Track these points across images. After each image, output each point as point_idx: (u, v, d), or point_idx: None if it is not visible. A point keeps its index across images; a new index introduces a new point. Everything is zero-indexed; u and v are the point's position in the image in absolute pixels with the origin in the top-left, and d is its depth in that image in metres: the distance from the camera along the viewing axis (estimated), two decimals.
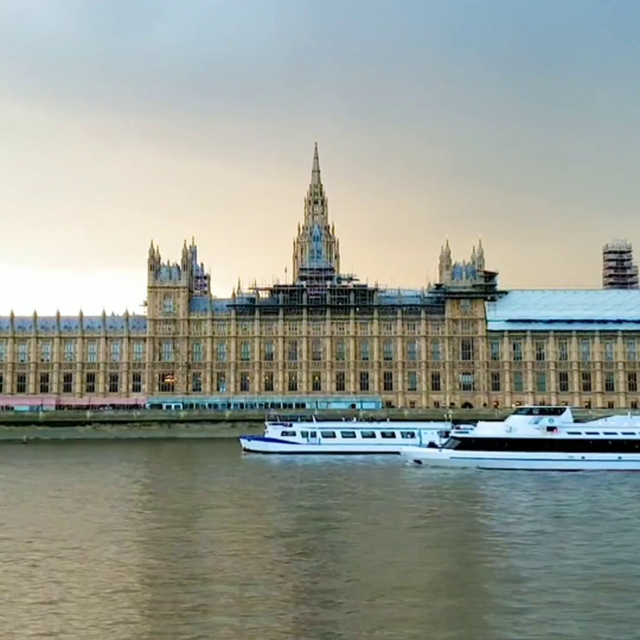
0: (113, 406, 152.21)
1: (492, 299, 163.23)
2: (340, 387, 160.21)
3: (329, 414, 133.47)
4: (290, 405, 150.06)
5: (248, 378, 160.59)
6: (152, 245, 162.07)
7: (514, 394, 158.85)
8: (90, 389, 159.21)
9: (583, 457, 79.74)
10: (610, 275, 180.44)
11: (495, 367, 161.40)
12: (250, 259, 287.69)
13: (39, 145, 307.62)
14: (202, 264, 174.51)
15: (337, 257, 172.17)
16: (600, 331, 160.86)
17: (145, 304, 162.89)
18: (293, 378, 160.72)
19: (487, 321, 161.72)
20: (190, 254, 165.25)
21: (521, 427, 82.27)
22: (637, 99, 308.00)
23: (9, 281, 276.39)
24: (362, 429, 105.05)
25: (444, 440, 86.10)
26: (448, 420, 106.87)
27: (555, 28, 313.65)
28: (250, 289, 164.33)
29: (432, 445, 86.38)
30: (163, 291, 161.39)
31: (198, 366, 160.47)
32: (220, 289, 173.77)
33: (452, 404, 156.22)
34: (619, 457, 79.52)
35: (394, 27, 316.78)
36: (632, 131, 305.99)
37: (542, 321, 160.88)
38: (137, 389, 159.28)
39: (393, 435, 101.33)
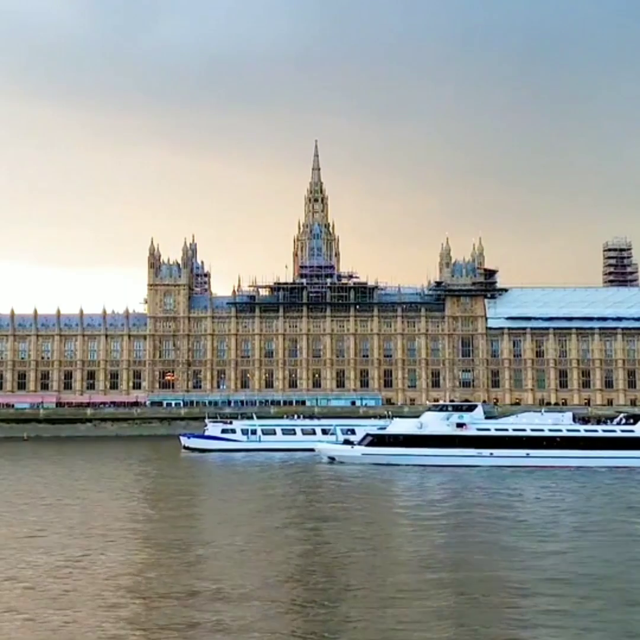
0: (113, 404, 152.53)
1: (492, 297, 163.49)
2: (341, 384, 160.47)
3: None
4: (291, 403, 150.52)
5: (248, 375, 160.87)
6: (152, 242, 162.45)
7: (514, 391, 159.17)
8: (91, 387, 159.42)
9: (491, 454, 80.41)
10: (610, 273, 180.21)
11: (495, 364, 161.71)
12: (250, 257, 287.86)
13: (40, 142, 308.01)
14: (202, 262, 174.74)
15: (337, 254, 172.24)
16: (600, 329, 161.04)
17: (146, 302, 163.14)
18: (293, 375, 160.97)
19: (487, 318, 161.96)
20: (190, 252, 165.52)
21: (432, 423, 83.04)
22: (637, 97, 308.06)
23: (10, 278, 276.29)
24: (302, 426, 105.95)
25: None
26: (389, 417, 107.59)
27: (558, 27, 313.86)
28: (250, 286, 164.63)
29: (347, 442, 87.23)
30: (163, 289, 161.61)
31: (198, 364, 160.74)
32: (221, 287, 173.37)
33: (451, 401, 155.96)
34: (527, 454, 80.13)
35: (397, 25, 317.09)
36: (632, 129, 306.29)
37: (541, 319, 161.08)
38: (137, 386, 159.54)
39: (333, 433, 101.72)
